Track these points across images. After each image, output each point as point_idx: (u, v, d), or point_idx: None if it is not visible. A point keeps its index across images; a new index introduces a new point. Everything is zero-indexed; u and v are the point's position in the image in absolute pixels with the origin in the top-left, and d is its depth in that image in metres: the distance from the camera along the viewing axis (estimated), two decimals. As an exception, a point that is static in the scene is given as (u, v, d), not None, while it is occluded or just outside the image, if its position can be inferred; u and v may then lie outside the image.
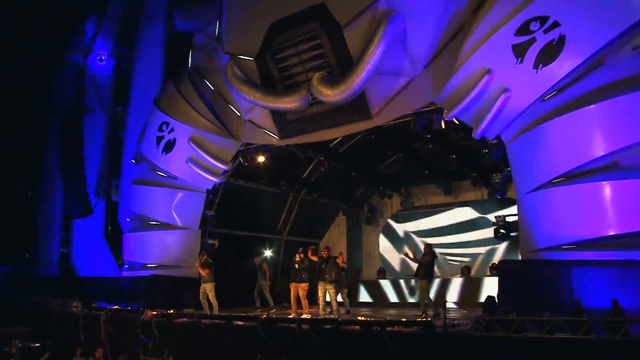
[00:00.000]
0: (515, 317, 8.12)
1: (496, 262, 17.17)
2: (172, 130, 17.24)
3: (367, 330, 9.43)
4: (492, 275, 17.05)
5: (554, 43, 10.58)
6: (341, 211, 23.16)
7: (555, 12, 10.52)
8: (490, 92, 11.48)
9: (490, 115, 11.57)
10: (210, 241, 17.95)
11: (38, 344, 14.36)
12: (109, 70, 23.13)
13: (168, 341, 12.29)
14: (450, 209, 20.75)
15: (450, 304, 17.68)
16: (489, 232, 18.51)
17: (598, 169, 10.54)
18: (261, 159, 17.06)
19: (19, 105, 23.65)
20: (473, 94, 11.55)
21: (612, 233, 10.31)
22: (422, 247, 15.34)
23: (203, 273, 13.99)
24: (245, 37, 14.17)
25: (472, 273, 18.97)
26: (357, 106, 13.32)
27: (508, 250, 18.42)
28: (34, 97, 23.72)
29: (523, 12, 10.78)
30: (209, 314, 13.40)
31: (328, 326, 9.99)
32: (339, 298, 13.39)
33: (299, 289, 12.88)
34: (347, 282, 15.90)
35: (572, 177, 10.76)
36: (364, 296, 20.54)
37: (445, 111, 12.47)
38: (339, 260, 13.91)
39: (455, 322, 9.18)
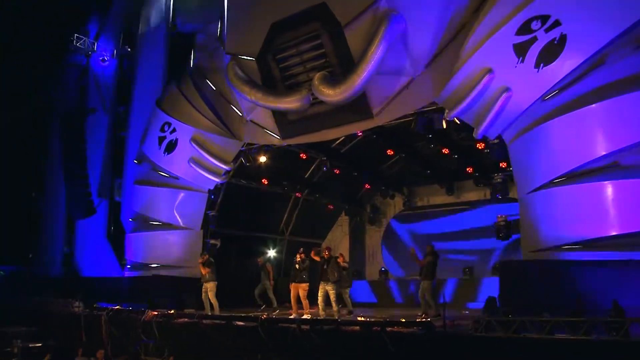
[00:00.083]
0: (514, 318, 8.07)
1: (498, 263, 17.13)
2: (174, 130, 17.27)
3: (367, 330, 9.40)
4: (494, 275, 16.99)
5: (555, 42, 10.52)
6: (343, 211, 23.11)
7: (556, 11, 10.45)
8: (491, 92, 11.44)
9: (491, 115, 11.52)
10: (212, 241, 18.00)
11: (40, 344, 14.37)
12: (112, 71, 23.18)
13: (169, 341, 12.29)
14: (452, 209, 20.67)
15: (452, 305, 17.73)
16: (491, 232, 18.40)
17: (599, 169, 10.47)
18: (263, 159, 17.06)
19: (22, 106, 23.74)
20: (474, 93, 11.50)
21: (613, 233, 10.24)
22: (424, 248, 15.23)
23: (204, 272, 14.01)
24: (247, 37, 14.19)
25: (474, 274, 18.90)
26: (358, 106, 13.31)
27: (510, 250, 18.33)
28: (37, 98, 23.81)
29: (524, 11, 10.72)
30: (210, 313, 13.42)
31: (328, 327, 9.96)
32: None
33: (299, 289, 12.85)
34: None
35: (573, 176, 10.70)
36: (367, 296, 20.51)
37: (447, 111, 12.43)
38: (340, 261, 13.90)
39: (455, 322, 9.15)
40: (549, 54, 10.61)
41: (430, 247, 14.19)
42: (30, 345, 14.20)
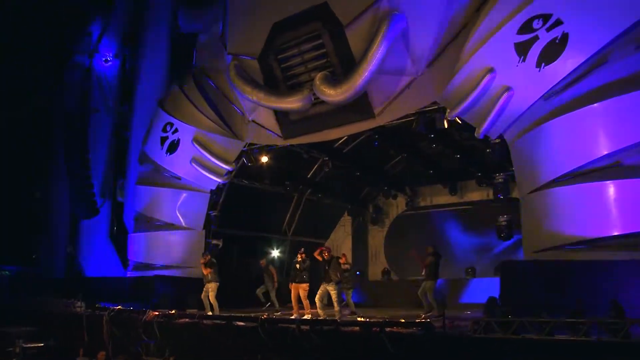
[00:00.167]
0: (514, 319, 8.02)
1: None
2: (176, 130, 17.29)
3: (367, 331, 9.36)
4: (497, 275, 16.90)
5: (557, 41, 10.46)
6: (346, 211, 23.08)
7: (558, 10, 10.39)
8: (493, 91, 11.40)
9: (492, 115, 11.48)
10: (214, 241, 18.02)
11: (41, 344, 14.39)
12: (115, 71, 23.25)
13: (170, 341, 12.27)
14: (455, 209, 20.61)
15: (454, 305, 17.67)
16: (493, 232, 18.35)
17: (601, 169, 10.40)
18: (265, 159, 17.07)
19: (26, 106, 23.80)
20: (475, 93, 11.46)
21: (615, 233, 10.17)
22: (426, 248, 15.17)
23: (206, 272, 13.99)
24: (248, 38, 14.21)
25: (477, 274, 18.84)
26: (360, 106, 13.30)
27: (513, 250, 18.26)
28: (40, 98, 23.86)
29: (525, 11, 10.67)
30: (210, 313, 13.41)
31: (327, 327, 9.93)
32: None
33: (300, 290, 12.82)
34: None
35: (575, 176, 10.63)
36: (370, 297, 20.47)
37: (448, 110, 12.40)
38: (341, 261, 13.86)
39: (455, 323, 9.11)
40: (550, 53, 10.56)
41: (432, 247, 14.16)
42: (32, 345, 14.22)
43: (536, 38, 10.65)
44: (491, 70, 11.23)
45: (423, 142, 17.41)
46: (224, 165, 16.82)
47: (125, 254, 19.18)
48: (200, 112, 16.87)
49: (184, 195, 17.73)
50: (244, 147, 16.73)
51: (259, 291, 16.31)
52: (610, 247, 10.17)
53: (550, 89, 10.76)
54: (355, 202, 22.64)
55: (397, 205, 22.42)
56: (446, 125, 13.39)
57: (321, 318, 11.49)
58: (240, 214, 19.14)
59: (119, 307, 14.01)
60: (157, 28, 21.30)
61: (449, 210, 20.85)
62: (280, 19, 13.33)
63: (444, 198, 20.97)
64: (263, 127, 15.81)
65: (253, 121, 15.95)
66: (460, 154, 17.28)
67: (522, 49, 10.83)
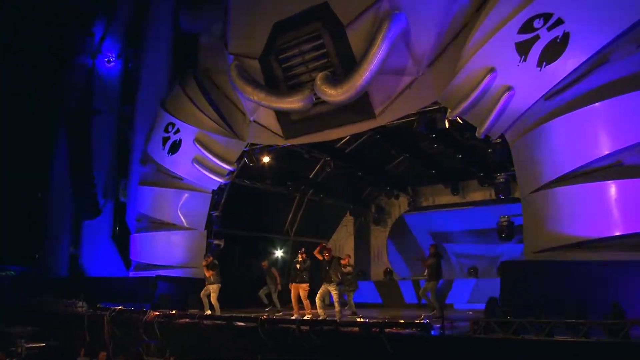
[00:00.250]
0: (513, 319, 7.99)
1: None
2: (177, 131, 17.28)
3: (366, 331, 9.36)
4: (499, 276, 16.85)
5: (558, 41, 10.42)
6: (348, 212, 23.05)
7: (559, 9, 10.36)
8: (494, 91, 11.35)
9: (493, 114, 11.43)
10: (216, 242, 17.99)
11: (43, 344, 14.44)
12: (117, 72, 23.25)
13: (170, 342, 12.28)
14: (458, 209, 20.56)
15: (456, 305, 17.65)
16: (495, 232, 18.31)
17: (602, 168, 10.36)
18: (266, 159, 17.06)
19: (29, 107, 23.89)
20: (476, 92, 11.41)
21: (617, 233, 10.12)
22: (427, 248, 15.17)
23: (208, 274, 13.97)
24: (249, 38, 14.20)
25: (480, 274, 18.79)
26: (361, 106, 13.27)
27: (516, 250, 18.21)
28: (43, 98, 23.94)
29: (526, 10, 10.63)
30: (208, 312, 13.41)
31: (327, 327, 9.92)
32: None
33: (300, 290, 12.79)
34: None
35: (576, 176, 10.58)
36: (373, 297, 20.44)
37: (449, 110, 12.36)
38: (345, 262, 13.84)
39: (454, 323, 9.07)
40: (551, 53, 10.52)
41: (433, 247, 14.14)
42: (33, 345, 14.26)
43: (537, 37, 10.61)
44: (492, 70, 11.19)
45: (424, 142, 17.38)
46: (225, 166, 16.81)
47: (128, 254, 19.17)
48: (201, 112, 16.86)
49: (186, 195, 17.70)
50: (246, 147, 16.71)
51: (262, 292, 16.28)
52: (611, 247, 10.10)
53: (551, 88, 10.73)
54: (358, 202, 22.62)
55: (399, 205, 22.37)
56: (447, 125, 13.35)
57: (321, 318, 11.46)
58: (241, 214, 19.13)
59: (120, 307, 14.03)
60: (159, 28, 21.26)
61: (451, 210, 20.75)
62: (281, 19, 13.29)
63: (446, 198, 20.92)
64: (264, 127, 15.80)
65: (254, 121, 15.94)
66: (462, 154, 17.23)
67: (523, 49, 10.79)
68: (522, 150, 11.65)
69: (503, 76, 11.15)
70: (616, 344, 7.05)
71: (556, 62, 10.49)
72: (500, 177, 15.11)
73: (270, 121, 15.36)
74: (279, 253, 21.09)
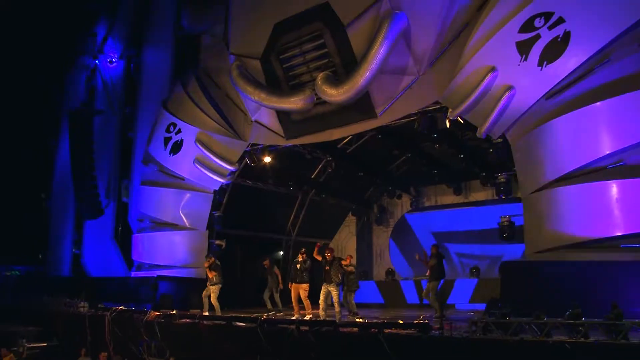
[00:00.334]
0: (512, 320, 7.94)
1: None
2: (179, 131, 17.28)
3: (365, 332, 9.33)
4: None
5: (559, 40, 10.39)
6: (350, 212, 23.03)
7: (560, 8, 10.32)
8: (495, 91, 11.32)
9: (494, 114, 11.39)
10: (218, 242, 17.99)
11: (45, 344, 14.47)
12: (119, 72, 23.29)
13: (170, 342, 12.28)
14: (460, 209, 20.50)
15: (458, 305, 17.59)
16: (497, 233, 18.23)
17: (604, 168, 10.31)
18: (267, 159, 17.04)
19: (32, 107, 23.97)
20: (477, 92, 11.39)
21: (619, 233, 10.06)
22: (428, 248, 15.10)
23: (211, 275, 13.95)
24: (251, 38, 14.22)
25: (482, 274, 18.72)
26: (362, 106, 13.25)
27: (519, 250, 18.12)
28: (46, 99, 24.02)
29: (527, 9, 10.59)
30: (206, 313, 13.39)
31: (326, 328, 9.89)
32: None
33: (300, 290, 12.75)
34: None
35: (577, 176, 10.55)
36: (375, 297, 20.40)
37: (450, 110, 12.32)
38: (346, 262, 13.79)
39: (453, 324, 9.02)
40: (552, 52, 10.49)
41: (435, 247, 14.07)
42: (35, 345, 14.30)
43: (538, 37, 10.58)
44: (493, 69, 11.16)
45: (427, 142, 17.33)
46: (227, 166, 16.80)
47: (130, 254, 19.20)
48: (203, 112, 16.86)
49: (188, 195, 17.71)
50: (247, 147, 16.70)
51: (266, 296, 16.16)
52: (612, 247, 10.03)
53: (552, 87, 10.70)
54: (360, 202, 22.59)
55: (402, 205, 22.35)
56: (448, 125, 13.29)
57: (321, 319, 11.43)
58: (243, 214, 19.13)
59: (121, 307, 14.03)
60: (161, 29, 21.28)
61: (453, 210, 20.68)
62: (282, 19, 13.31)
63: (449, 198, 20.89)
64: (266, 127, 15.80)
65: (256, 121, 15.94)
66: (464, 154, 17.17)
67: (523, 48, 10.75)
68: (523, 150, 11.61)
69: (504, 75, 11.12)
70: (615, 345, 6.99)
71: (557, 61, 10.46)
72: (501, 177, 15.03)
73: (272, 121, 15.37)
74: (281, 253, 21.06)
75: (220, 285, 13.95)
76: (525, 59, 10.77)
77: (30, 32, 23.50)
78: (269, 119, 15.45)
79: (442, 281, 14.04)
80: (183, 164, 17.35)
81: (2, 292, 20.70)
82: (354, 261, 17.10)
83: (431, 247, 14.23)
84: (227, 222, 18.36)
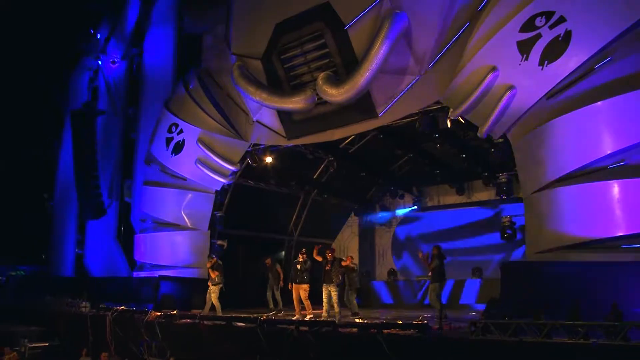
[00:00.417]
0: (512, 321, 7.90)
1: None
2: (181, 131, 17.31)
3: (364, 332, 9.32)
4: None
5: (560, 39, 10.35)
6: (353, 212, 22.98)
7: (561, 7, 10.29)
8: (496, 90, 11.29)
9: (495, 114, 11.35)
10: (219, 242, 17.98)
11: (47, 344, 14.50)
12: (122, 73, 23.36)
13: (170, 342, 12.28)
14: (463, 209, 20.43)
15: (460, 305, 17.55)
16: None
17: (605, 168, 10.24)
18: (269, 159, 17.02)
19: (35, 108, 24.04)
20: (478, 92, 11.37)
21: (620, 234, 10.00)
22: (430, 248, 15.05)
23: (213, 275, 13.96)
24: (252, 38, 14.19)
25: (484, 274, 18.66)
26: (363, 105, 13.23)
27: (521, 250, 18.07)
28: (49, 99, 24.08)
29: (528, 8, 10.57)
30: (206, 312, 13.39)
31: (326, 328, 9.87)
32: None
33: (300, 290, 12.75)
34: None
35: (578, 176, 10.48)
36: (376, 297, 20.37)
37: (451, 110, 12.29)
38: (347, 263, 13.76)
39: (452, 325, 9.00)
40: (553, 51, 10.45)
41: (436, 248, 13.99)
42: (37, 345, 14.33)
43: (539, 36, 10.54)
44: (494, 69, 11.13)
45: (428, 142, 17.28)
46: (228, 166, 16.81)
47: (132, 254, 19.24)
48: (205, 112, 16.88)
49: (190, 195, 17.73)
50: (249, 147, 16.69)
51: (269, 295, 16.14)
52: (614, 248, 9.97)
53: (553, 87, 10.64)
54: (362, 202, 22.54)
55: (404, 205, 22.26)
56: (449, 125, 13.24)
57: (321, 319, 11.42)
58: (245, 214, 19.12)
59: (122, 307, 14.05)
60: (164, 29, 21.35)
61: (456, 210, 20.61)
62: (283, 19, 13.29)
63: (451, 198, 20.80)
64: (267, 127, 15.79)
65: (257, 121, 15.94)
66: (466, 154, 17.12)
67: (524, 47, 10.72)
68: (524, 150, 11.56)
69: (505, 75, 11.09)
70: (615, 346, 6.94)
71: (558, 60, 10.41)
72: (503, 177, 14.97)
73: (273, 121, 15.36)
74: (283, 254, 21.04)
75: (221, 285, 13.95)
76: (526, 59, 10.73)
77: (34, 33, 23.59)
78: (271, 119, 15.44)
79: (451, 282, 13.87)
80: (185, 164, 17.38)
81: (4, 292, 20.78)
82: (355, 261, 17.08)
83: (432, 248, 14.16)
84: (229, 222, 18.36)
